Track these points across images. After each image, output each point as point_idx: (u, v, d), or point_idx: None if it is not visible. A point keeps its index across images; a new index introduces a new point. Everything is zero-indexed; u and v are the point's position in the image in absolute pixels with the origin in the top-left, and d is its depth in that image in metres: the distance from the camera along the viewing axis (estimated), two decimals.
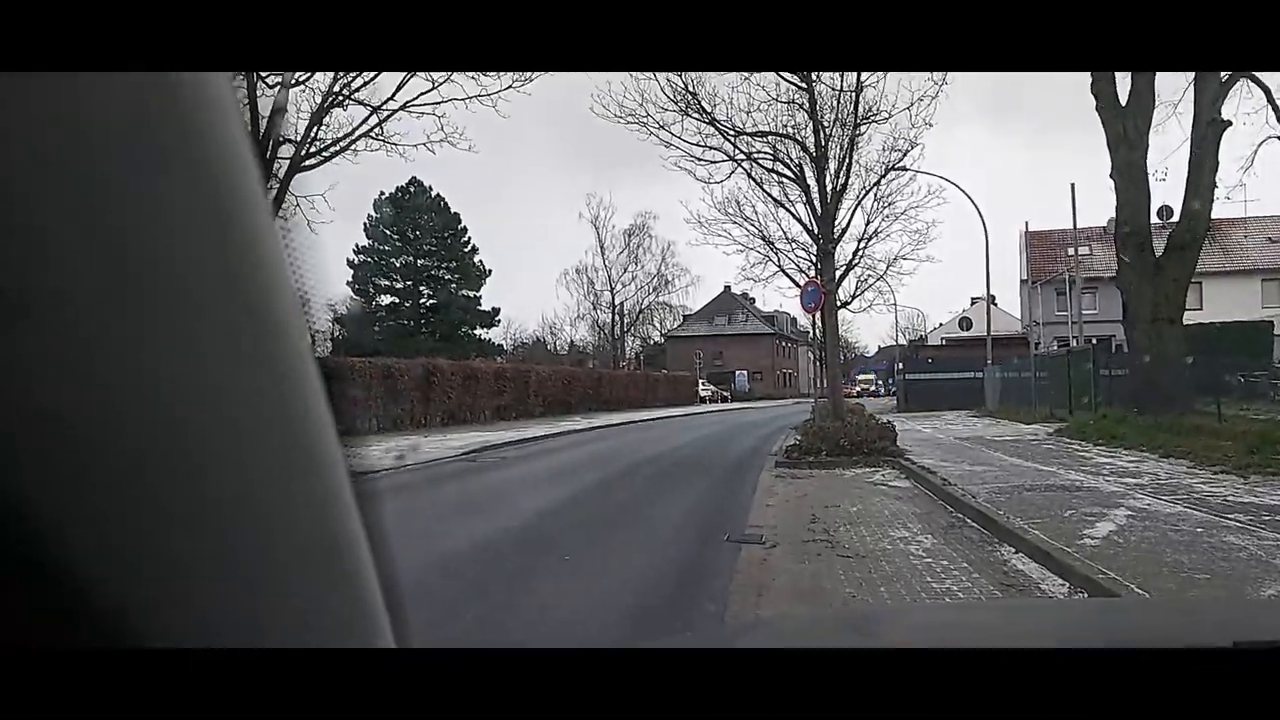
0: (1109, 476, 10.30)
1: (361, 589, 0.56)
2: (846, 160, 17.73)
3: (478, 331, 56.75)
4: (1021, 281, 44.14)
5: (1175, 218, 17.93)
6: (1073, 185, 52.98)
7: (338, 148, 13.03)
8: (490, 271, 56.88)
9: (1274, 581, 5.05)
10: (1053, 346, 36.65)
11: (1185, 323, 17.19)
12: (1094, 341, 27.94)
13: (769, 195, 19.10)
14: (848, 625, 1.82)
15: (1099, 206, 50.33)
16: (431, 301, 55.92)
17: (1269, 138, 17.79)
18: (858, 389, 74.09)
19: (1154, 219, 18.10)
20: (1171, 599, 3.74)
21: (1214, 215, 17.79)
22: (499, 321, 58.79)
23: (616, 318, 70.81)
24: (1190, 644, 1.18)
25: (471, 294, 56.33)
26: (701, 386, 61.42)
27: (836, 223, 18.39)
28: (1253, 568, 5.40)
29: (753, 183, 19.08)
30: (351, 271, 56.32)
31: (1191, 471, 10.51)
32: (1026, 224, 41.84)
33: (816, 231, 18.23)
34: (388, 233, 55.89)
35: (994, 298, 59.47)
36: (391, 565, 0.60)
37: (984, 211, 36.46)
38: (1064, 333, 34.56)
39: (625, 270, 70.18)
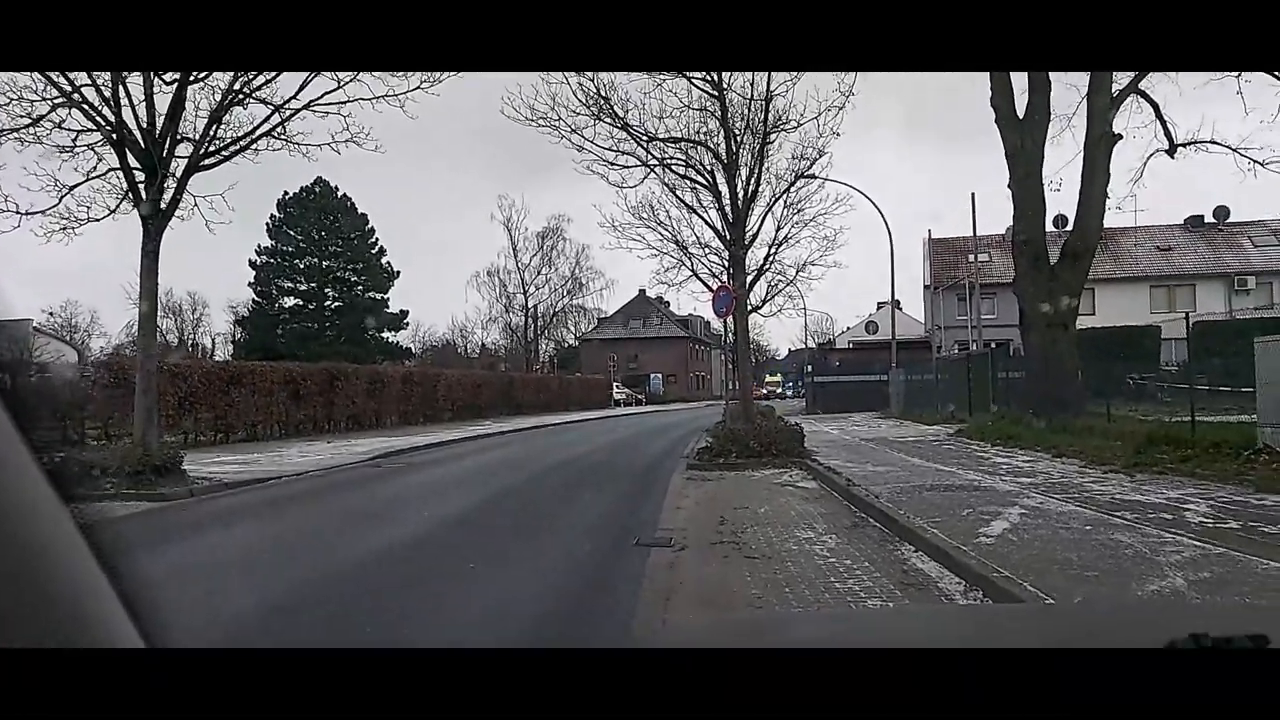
0: (1005, 476, 10.67)
1: (63, 590, 0.53)
2: (757, 167, 18.00)
3: (385, 334, 55.60)
4: (925, 287, 45.46)
5: (1069, 227, 18.73)
6: (973, 195, 55.11)
7: (237, 146, 12.56)
8: (398, 273, 55.82)
9: (1157, 578, 5.29)
10: (954, 350, 37.87)
11: (1078, 327, 17.98)
12: (993, 346, 28.92)
13: (681, 201, 19.27)
14: (746, 632, 1.82)
15: (999, 215, 52.70)
16: (337, 304, 54.61)
17: (1157, 151, 18.68)
18: (765, 390, 75.33)
19: (1050, 228, 18.86)
20: (1055, 606, 3.87)
21: (1105, 225, 18.65)
22: (407, 324, 57.85)
23: (529, 320, 70.30)
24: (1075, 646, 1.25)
25: (379, 296, 55.15)
26: (615, 389, 61.52)
27: (747, 229, 18.59)
28: (1138, 564, 5.65)
29: (665, 188, 19.22)
30: (254, 273, 54.59)
31: (1083, 471, 10.98)
32: (930, 232, 43.24)
33: (728, 237, 18.40)
34: (292, 234, 54.32)
35: (899, 302, 61.25)
36: (126, 566, 0.57)
37: (890, 219, 37.51)
38: (964, 337, 35.79)
39: (539, 273, 69.70)
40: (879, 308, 72.80)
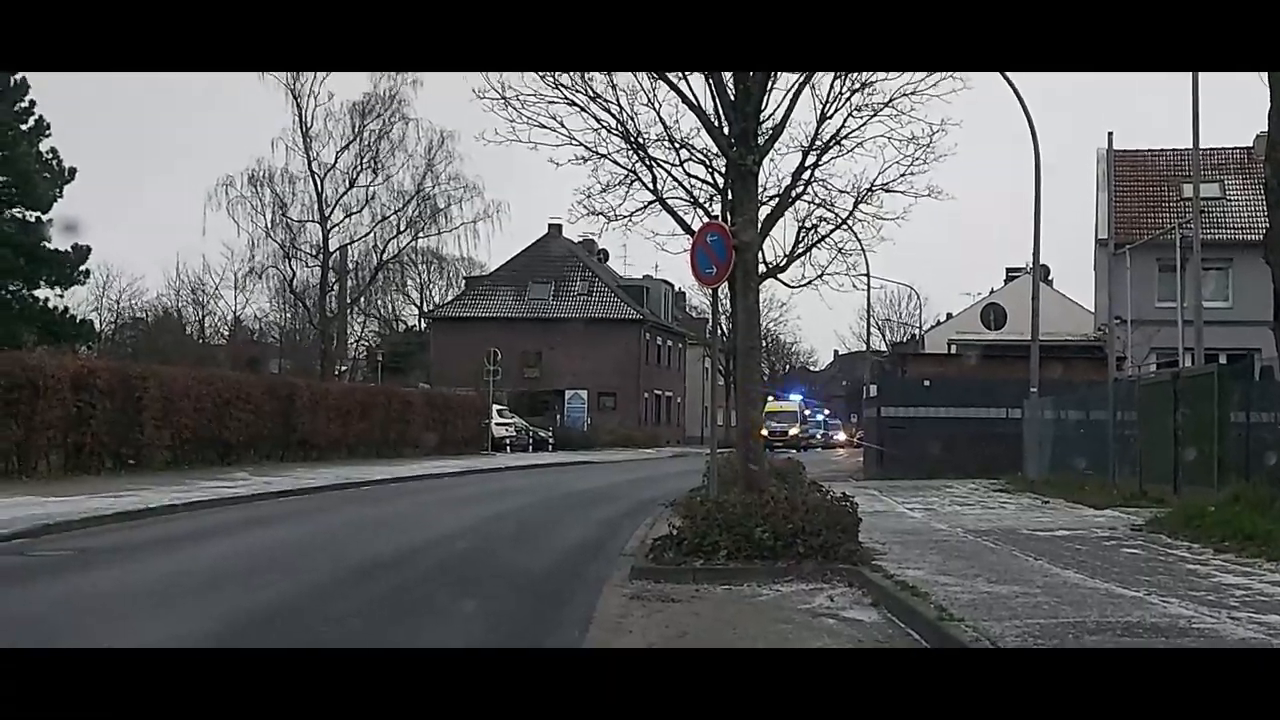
0: (1238, 611, 10.82)
1: None
2: None
3: (43, 293, 54.72)
4: (1098, 243, 46.05)
5: None
6: (1195, 78, 55.70)
7: None
8: (73, 174, 54.96)
9: None
10: (1149, 365, 38.36)
11: None
12: (1222, 359, 29.39)
13: None
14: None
15: (1238, 116, 52.48)
16: None
17: None
18: (767, 430, 75.72)
19: None
20: None
21: None
22: (87, 275, 56.95)
23: (331, 276, 69.95)
24: None
25: (32, 216, 54.28)
26: (497, 418, 61.43)
27: (764, 115, 18.65)
28: None
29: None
30: None
31: None
32: (1110, 137, 43.62)
33: (727, 129, 18.44)
34: None
35: (1046, 270, 61.82)
36: None
37: (1036, 113, 36.87)
38: (1171, 340, 36.30)
39: (351, 183, 69.37)
40: (1008, 280, 73.84)
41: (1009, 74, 33.51)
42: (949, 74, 18.72)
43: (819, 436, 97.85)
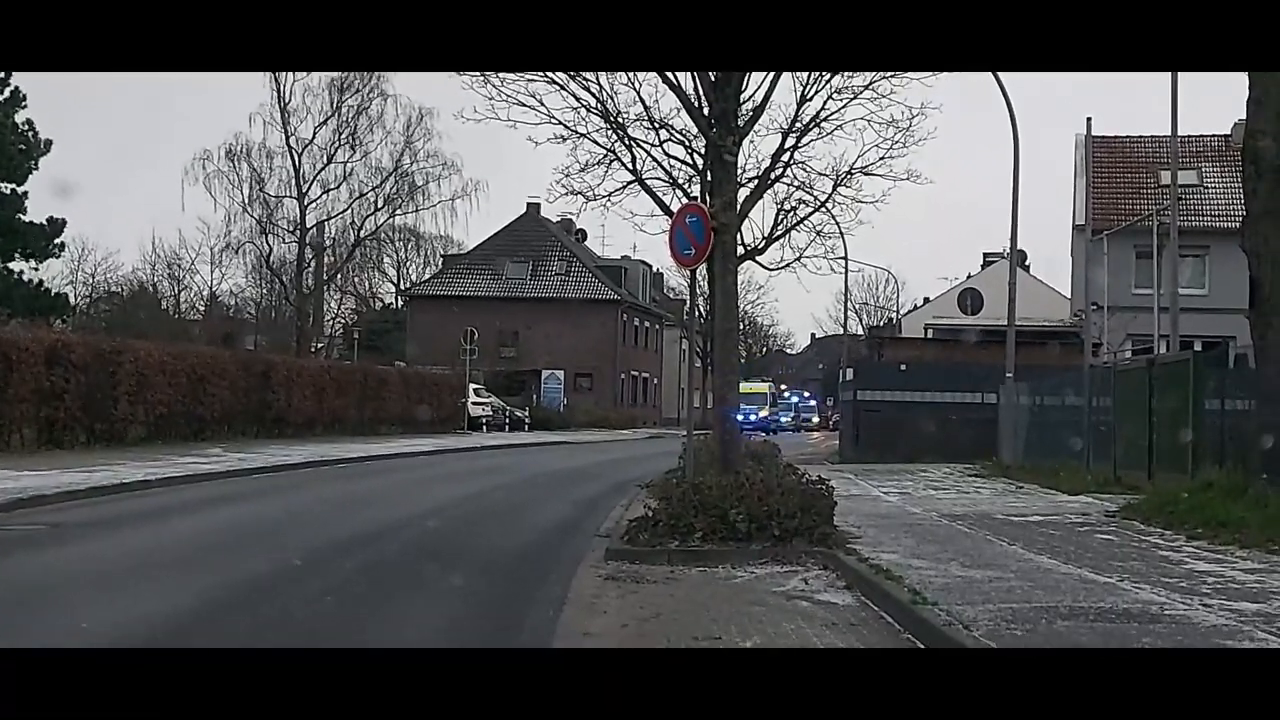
0: (1210, 598, 10.84)
1: None
2: None
3: (17, 265, 54.45)
4: (1075, 229, 46.15)
5: None
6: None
7: None
8: (49, 145, 54.62)
9: None
10: (1125, 351, 38.46)
11: None
12: (1198, 346, 29.48)
13: None
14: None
15: (1219, 103, 51.80)
16: None
17: None
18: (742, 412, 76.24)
19: None
20: None
21: None
22: (62, 248, 56.65)
23: (308, 252, 69.73)
24: None
25: (7, 189, 53.95)
26: (474, 397, 61.33)
27: (744, 98, 18.67)
28: None
29: None
30: None
31: None
32: (1089, 123, 43.82)
33: (707, 110, 18.45)
34: None
35: (1023, 255, 62.10)
36: None
37: (1014, 98, 36.55)
38: (1147, 326, 36.39)
39: (329, 159, 69.16)
40: (985, 265, 74.00)
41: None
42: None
43: (786, 419, 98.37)
